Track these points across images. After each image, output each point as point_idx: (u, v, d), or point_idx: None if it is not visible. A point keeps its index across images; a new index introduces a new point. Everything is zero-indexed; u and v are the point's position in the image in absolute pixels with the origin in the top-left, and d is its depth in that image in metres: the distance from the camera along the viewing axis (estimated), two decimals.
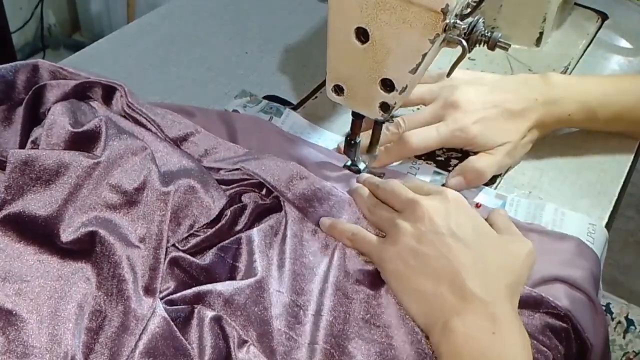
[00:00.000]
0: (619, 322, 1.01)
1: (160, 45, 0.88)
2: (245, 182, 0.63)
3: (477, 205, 0.67)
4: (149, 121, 0.66)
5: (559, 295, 0.56)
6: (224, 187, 0.62)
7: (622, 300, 1.13)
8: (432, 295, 0.52)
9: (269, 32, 0.92)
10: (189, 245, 0.58)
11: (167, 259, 0.56)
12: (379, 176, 0.68)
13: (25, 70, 0.66)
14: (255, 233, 0.59)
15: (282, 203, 0.61)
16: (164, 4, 0.97)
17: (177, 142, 0.67)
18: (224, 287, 0.54)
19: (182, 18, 0.94)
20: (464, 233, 0.54)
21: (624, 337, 0.99)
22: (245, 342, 0.53)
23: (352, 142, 0.67)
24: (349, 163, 0.69)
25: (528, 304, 0.55)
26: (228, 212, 0.60)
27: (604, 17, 0.98)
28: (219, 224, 0.59)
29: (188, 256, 0.57)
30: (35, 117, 0.65)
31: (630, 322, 1.01)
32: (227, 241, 0.59)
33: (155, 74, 0.83)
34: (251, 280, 0.55)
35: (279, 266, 0.57)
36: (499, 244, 0.56)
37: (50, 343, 0.50)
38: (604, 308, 0.95)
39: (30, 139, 0.63)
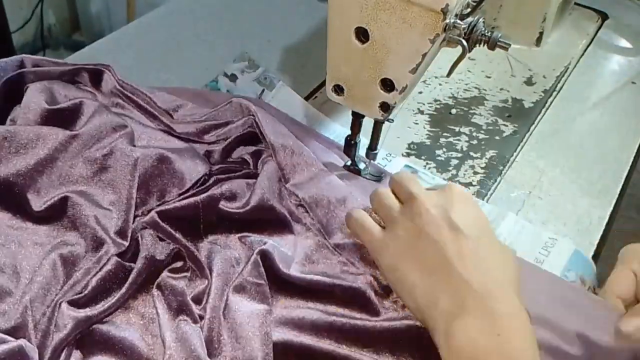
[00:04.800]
0: None
1: (160, 45, 0.88)
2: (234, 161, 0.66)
3: None
4: (139, 97, 0.68)
5: None
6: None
7: None
8: (427, 289, 0.51)
9: (269, 32, 0.92)
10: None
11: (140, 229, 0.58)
12: (379, 176, 0.68)
13: (11, 65, 0.67)
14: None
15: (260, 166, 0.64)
16: (164, 4, 0.97)
17: (169, 112, 0.68)
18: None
19: (182, 18, 0.94)
20: (463, 224, 0.53)
21: None
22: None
23: (352, 142, 0.67)
24: (348, 163, 0.69)
25: None
26: (212, 180, 0.62)
27: (604, 17, 0.98)
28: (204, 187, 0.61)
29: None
30: (14, 102, 0.66)
31: None
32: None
33: (155, 74, 0.83)
34: None
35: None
36: (498, 242, 0.55)
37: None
38: None
39: (9, 117, 0.64)
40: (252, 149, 0.66)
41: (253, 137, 0.67)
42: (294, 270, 0.56)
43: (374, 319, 0.54)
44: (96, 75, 0.69)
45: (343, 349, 0.51)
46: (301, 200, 0.62)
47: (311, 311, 0.54)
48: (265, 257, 0.56)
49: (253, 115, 0.65)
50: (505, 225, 0.65)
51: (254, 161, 0.65)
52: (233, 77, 0.78)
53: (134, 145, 0.62)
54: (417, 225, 0.54)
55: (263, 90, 0.77)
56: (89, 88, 0.69)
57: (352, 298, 0.55)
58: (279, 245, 0.58)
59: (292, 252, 0.59)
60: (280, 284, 0.56)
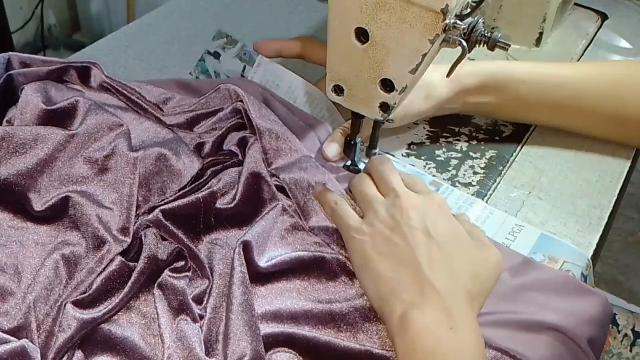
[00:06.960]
0: (626, 334, 0.99)
1: (160, 45, 0.88)
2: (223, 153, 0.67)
3: None
4: (127, 91, 0.68)
5: None
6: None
7: (627, 306, 1.10)
8: (392, 280, 0.54)
9: (269, 32, 0.92)
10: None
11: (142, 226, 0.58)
12: None
13: None
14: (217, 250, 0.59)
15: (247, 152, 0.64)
16: (164, 4, 0.97)
17: (159, 105, 0.68)
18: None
19: (182, 18, 0.94)
20: (437, 233, 0.56)
21: (630, 350, 0.97)
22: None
23: (352, 142, 0.67)
24: (348, 163, 0.69)
25: None
26: (208, 172, 0.63)
27: (603, 17, 0.98)
28: (198, 183, 0.62)
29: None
30: (6, 104, 0.66)
31: (637, 335, 0.98)
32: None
33: (155, 74, 0.83)
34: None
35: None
36: (470, 252, 0.57)
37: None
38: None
39: (5, 118, 0.65)
40: (237, 138, 0.67)
41: (240, 126, 0.68)
42: (270, 253, 0.58)
43: (347, 297, 0.56)
44: (84, 72, 0.70)
45: (323, 335, 0.53)
46: (281, 182, 0.62)
47: (288, 301, 0.55)
48: (246, 249, 0.56)
49: (241, 100, 0.66)
50: (473, 212, 0.67)
51: (241, 151, 0.66)
52: (216, 55, 0.78)
53: (131, 144, 0.63)
54: (396, 220, 0.57)
55: (245, 67, 0.76)
56: (77, 86, 0.70)
57: (324, 273, 0.58)
58: (267, 214, 0.60)
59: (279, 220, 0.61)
60: (258, 276, 0.56)
